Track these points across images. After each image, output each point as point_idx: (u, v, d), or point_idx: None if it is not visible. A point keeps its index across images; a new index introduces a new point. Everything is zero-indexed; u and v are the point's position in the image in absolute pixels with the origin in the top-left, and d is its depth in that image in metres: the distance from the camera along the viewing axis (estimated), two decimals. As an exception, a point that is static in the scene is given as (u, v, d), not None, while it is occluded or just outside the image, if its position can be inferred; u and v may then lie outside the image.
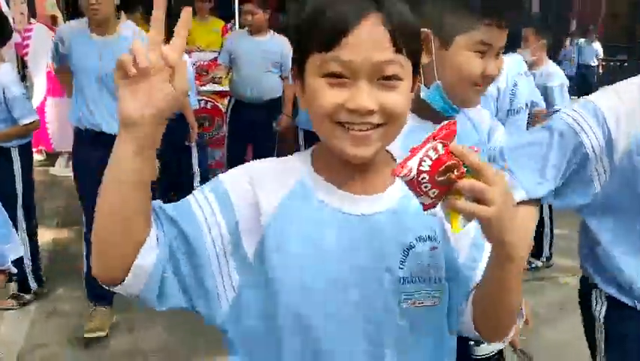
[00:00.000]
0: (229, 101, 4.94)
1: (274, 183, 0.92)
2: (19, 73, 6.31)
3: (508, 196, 0.78)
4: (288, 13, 5.56)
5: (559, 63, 11.24)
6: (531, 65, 3.71)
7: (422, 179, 0.75)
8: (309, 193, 0.91)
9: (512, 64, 2.85)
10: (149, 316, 3.08)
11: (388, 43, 0.83)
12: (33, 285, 3.39)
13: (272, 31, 4.65)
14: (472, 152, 0.76)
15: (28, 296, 3.37)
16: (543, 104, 3.38)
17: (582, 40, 11.46)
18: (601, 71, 12.07)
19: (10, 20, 6.09)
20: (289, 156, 0.98)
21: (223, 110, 5.37)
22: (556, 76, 3.86)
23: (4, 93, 3.18)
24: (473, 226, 0.80)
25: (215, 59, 5.71)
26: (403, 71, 0.85)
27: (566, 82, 3.93)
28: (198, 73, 5.48)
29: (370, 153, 0.87)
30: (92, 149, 2.90)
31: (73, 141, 3.18)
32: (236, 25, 6.40)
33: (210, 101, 5.47)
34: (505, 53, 2.76)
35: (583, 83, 11.18)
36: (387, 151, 0.96)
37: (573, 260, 3.93)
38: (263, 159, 0.98)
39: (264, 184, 0.91)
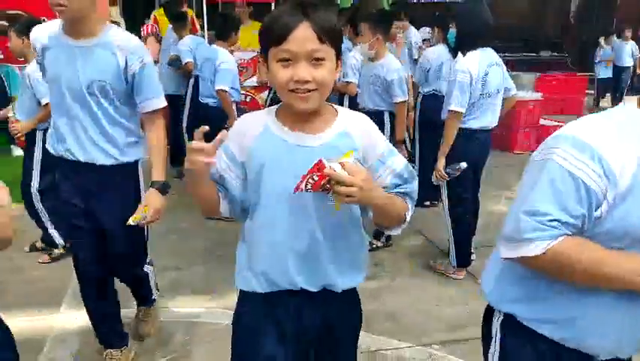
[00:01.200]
0: (268, 93, 5.67)
1: (251, 127, 1.52)
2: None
3: (367, 179, 1.35)
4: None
5: (595, 64, 11.22)
6: (372, 59, 4.08)
7: (308, 191, 1.37)
8: (272, 133, 1.50)
9: (484, 56, 3.49)
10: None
11: (315, 38, 1.37)
12: (59, 241, 4.01)
13: None
14: (333, 171, 1.31)
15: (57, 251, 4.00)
16: (514, 91, 3.78)
17: (618, 40, 11.26)
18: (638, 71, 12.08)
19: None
20: (262, 110, 1.60)
21: (261, 102, 6.13)
22: (395, 69, 4.08)
23: (29, 79, 3.65)
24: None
25: (256, 57, 6.54)
26: (326, 56, 1.40)
27: (405, 75, 4.19)
28: (239, 70, 6.24)
29: (310, 107, 1.43)
30: (67, 182, 2.49)
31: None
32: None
33: (249, 95, 6.21)
34: (477, 48, 3.40)
35: (618, 84, 11.11)
36: (332, 106, 1.54)
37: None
38: (247, 114, 1.62)
39: (246, 130, 1.53)
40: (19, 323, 3.10)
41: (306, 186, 1.36)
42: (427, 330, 3.23)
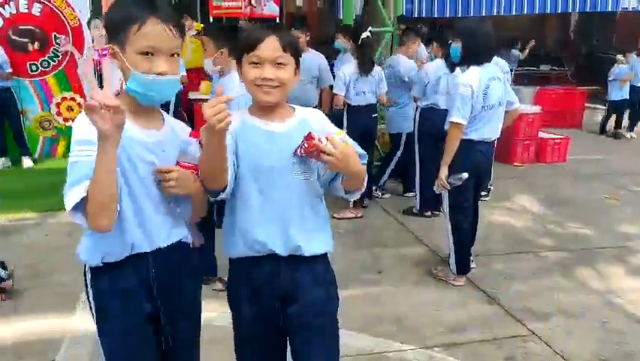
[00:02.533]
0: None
1: (234, 117, 1.64)
2: (99, 85, 7.41)
3: (345, 151, 1.68)
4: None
5: (609, 83, 10.27)
6: (219, 73, 3.90)
7: (302, 155, 1.74)
8: (245, 122, 1.81)
9: (485, 70, 3.65)
10: None
11: (279, 48, 1.75)
12: None
13: (310, 50, 5.56)
14: (319, 143, 1.67)
15: None
16: (517, 104, 3.96)
17: (637, 57, 9.82)
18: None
19: (89, 41, 7.24)
20: (239, 110, 1.87)
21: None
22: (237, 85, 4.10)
23: None
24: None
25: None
26: (287, 61, 1.77)
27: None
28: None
29: (272, 100, 1.77)
30: None
31: None
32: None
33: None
34: (481, 63, 3.54)
35: (634, 107, 9.71)
36: (290, 105, 1.89)
37: (556, 240, 4.57)
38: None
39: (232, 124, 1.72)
40: (37, 325, 3.23)
41: (300, 151, 1.74)
42: (429, 333, 3.34)
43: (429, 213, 5.47)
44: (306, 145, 1.72)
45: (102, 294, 1.73)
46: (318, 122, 1.87)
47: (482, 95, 3.67)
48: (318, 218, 1.88)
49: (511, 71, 9.31)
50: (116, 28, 1.60)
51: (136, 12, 1.57)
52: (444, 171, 3.78)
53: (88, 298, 1.76)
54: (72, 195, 1.51)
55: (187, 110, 7.03)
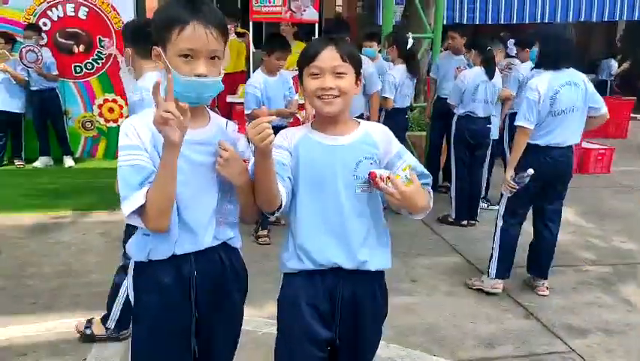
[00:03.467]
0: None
1: (293, 135, 1.85)
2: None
3: (408, 192, 1.69)
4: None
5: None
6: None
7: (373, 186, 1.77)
8: (309, 137, 1.84)
9: (558, 76, 3.67)
10: None
11: (338, 57, 1.76)
12: None
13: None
14: (381, 182, 1.71)
15: None
16: (604, 109, 3.82)
17: None
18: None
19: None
20: (302, 125, 1.93)
21: (301, 119, 6.28)
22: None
23: None
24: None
25: (295, 76, 6.75)
26: (347, 71, 1.77)
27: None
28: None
29: (334, 110, 1.78)
30: None
31: None
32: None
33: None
34: (557, 68, 3.52)
35: None
36: (353, 119, 1.89)
37: (598, 254, 4.41)
38: (286, 129, 1.91)
39: (290, 135, 1.85)
40: (70, 325, 3.28)
41: (370, 183, 1.76)
42: (463, 346, 3.25)
43: (465, 223, 5.36)
44: (368, 184, 1.76)
45: (141, 288, 1.76)
46: (381, 138, 1.85)
47: (549, 101, 3.63)
48: (379, 232, 1.88)
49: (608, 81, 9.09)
50: (159, 31, 1.62)
51: (179, 15, 1.58)
52: (509, 173, 3.76)
53: (128, 291, 1.81)
54: (130, 202, 1.57)
55: (225, 113, 7.11)
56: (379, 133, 1.87)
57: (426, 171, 1.89)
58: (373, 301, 1.89)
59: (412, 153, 1.99)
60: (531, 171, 3.62)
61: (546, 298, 3.87)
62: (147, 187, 1.57)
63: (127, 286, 1.83)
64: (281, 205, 1.73)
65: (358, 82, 1.82)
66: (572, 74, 3.74)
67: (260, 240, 4.69)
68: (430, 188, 1.89)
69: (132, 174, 1.58)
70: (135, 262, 1.77)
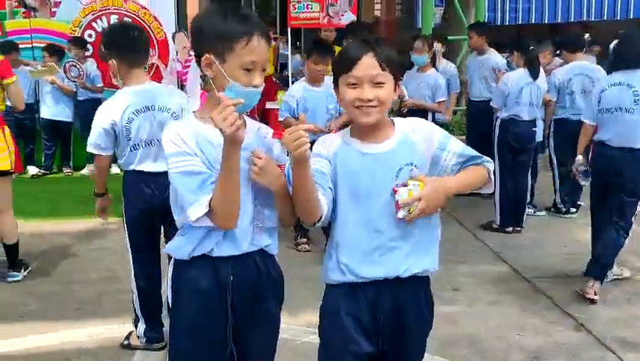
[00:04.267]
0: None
1: (331, 143, 1.81)
2: (179, 95, 7.68)
3: (432, 195, 1.68)
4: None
5: None
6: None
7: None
8: (347, 145, 1.79)
9: (616, 76, 3.86)
10: None
11: (377, 65, 1.68)
12: None
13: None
14: (409, 199, 1.67)
15: None
16: None
17: None
18: None
19: (174, 53, 7.52)
20: (339, 132, 1.89)
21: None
22: None
23: None
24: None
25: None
26: (385, 80, 1.70)
27: None
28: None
29: (372, 121, 1.72)
30: None
31: None
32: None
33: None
34: (626, 68, 3.79)
35: None
36: (388, 120, 1.81)
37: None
38: (324, 136, 1.91)
39: (329, 144, 1.81)
40: (114, 329, 3.32)
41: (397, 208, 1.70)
42: (508, 359, 3.14)
43: (510, 229, 5.19)
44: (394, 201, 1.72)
45: (179, 292, 1.78)
46: (420, 135, 1.80)
47: (596, 100, 3.86)
48: (427, 238, 1.82)
49: None
50: (214, 41, 1.62)
51: (241, 27, 1.60)
52: (577, 159, 4.06)
53: (167, 291, 1.84)
54: (195, 209, 1.61)
55: (262, 119, 7.14)
56: (417, 130, 1.80)
57: (476, 153, 1.83)
58: (418, 311, 1.84)
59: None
60: (580, 159, 3.98)
61: (597, 310, 3.70)
62: (210, 193, 1.60)
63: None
64: (321, 217, 1.70)
65: (397, 88, 1.76)
66: (634, 76, 3.77)
67: (299, 247, 4.67)
68: (485, 162, 1.83)
69: (189, 180, 1.62)
70: (174, 264, 1.80)
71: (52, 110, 7.07)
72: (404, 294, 1.80)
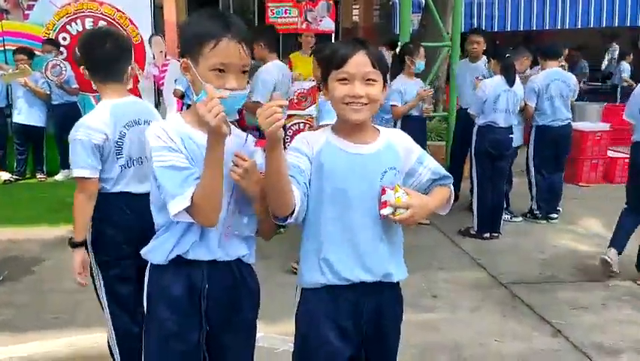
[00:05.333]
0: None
1: (315, 139, 1.77)
2: (156, 100, 7.61)
3: (418, 209, 1.70)
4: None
5: None
6: None
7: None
8: (333, 144, 1.76)
9: None
10: None
11: (369, 63, 1.69)
12: None
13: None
14: (397, 203, 1.67)
15: None
16: None
17: None
18: None
19: (150, 57, 7.43)
20: (320, 129, 1.86)
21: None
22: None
23: None
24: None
25: (314, 87, 6.71)
26: (377, 77, 1.71)
27: None
28: (299, 99, 6.41)
29: (361, 118, 1.71)
30: None
31: None
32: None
33: (308, 123, 6.35)
34: None
35: None
36: (373, 125, 1.83)
37: (626, 268, 4.27)
38: (306, 132, 1.86)
39: (312, 141, 1.77)
40: (91, 340, 3.25)
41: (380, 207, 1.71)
42: (488, 366, 3.15)
43: (487, 235, 5.24)
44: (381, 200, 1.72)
45: (153, 298, 1.77)
46: (402, 146, 1.83)
47: (634, 102, 4.35)
48: (398, 242, 1.85)
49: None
50: (190, 44, 1.64)
51: (211, 29, 1.60)
52: None
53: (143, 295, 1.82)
54: (176, 204, 1.59)
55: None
56: (400, 141, 1.84)
57: (447, 173, 1.90)
58: (395, 311, 1.88)
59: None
60: None
61: (574, 316, 3.74)
62: (192, 188, 1.59)
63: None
64: (294, 211, 1.66)
65: (384, 89, 1.76)
66: None
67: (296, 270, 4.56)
68: (450, 184, 1.91)
69: (173, 175, 1.61)
70: (150, 269, 1.79)
71: (25, 114, 6.93)
72: (384, 295, 1.82)
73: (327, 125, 1.86)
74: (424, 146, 5.33)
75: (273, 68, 4.91)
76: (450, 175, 1.91)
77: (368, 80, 1.69)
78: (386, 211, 1.68)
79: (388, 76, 1.86)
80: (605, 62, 12.88)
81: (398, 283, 1.87)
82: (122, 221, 2.48)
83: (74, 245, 2.44)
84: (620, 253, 4.33)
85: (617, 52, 12.79)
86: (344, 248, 1.74)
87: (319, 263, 1.75)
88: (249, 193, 1.69)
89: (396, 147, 1.80)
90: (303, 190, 1.69)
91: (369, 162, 1.74)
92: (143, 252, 1.80)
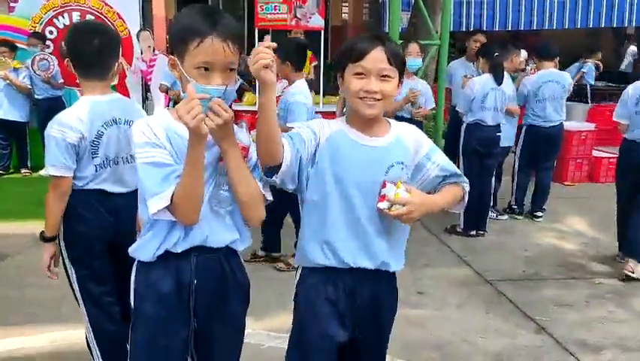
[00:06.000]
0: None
1: (328, 125, 1.82)
2: (144, 95, 7.56)
3: (417, 206, 1.71)
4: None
5: None
6: None
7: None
8: (344, 133, 1.79)
9: None
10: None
11: (385, 60, 1.71)
12: None
13: None
14: (395, 199, 1.69)
15: None
16: None
17: None
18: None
19: (138, 52, 7.37)
20: (336, 119, 1.89)
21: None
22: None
23: None
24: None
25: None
26: (392, 74, 1.73)
27: None
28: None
29: (375, 113, 1.74)
30: None
31: None
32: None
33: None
34: None
35: None
36: (386, 119, 1.86)
37: (610, 266, 4.31)
38: (321, 119, 1.91)
39: (326, 125, 1.81)
40: (74, 336, 3.22)
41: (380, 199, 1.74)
42: (472, 362, 3.16)
43: (474, 233, 5.27)
44: (381, 194, 1.74)
45: (140, 295, 1.76)
46: (411, 140, 1.85)
47: (635, 102, 4.41)
48: (402, 234, 1.87)
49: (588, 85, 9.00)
50: (176, 41, 1.63)
51: (196, 27, 1.59)
52: None
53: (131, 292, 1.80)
54: (156, 202, 1.59)
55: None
56: (410, 135, 1.86)
57: (457, 171, 1.91)
58: (390, 302, 1.92)
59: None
60: None
61: (558, 313, 3.77)
62: (173, 186, 1.59)
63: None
64: (281, 165, 1.65)
65: (400, 85, 1.79)
66: None
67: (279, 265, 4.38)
68: (464, 182, 1.92)
69: (154, 172, 1.60)
70: (137, 266, 1.77)
71: (6, 109, 6.82)
72: (381, 283, 1.86)
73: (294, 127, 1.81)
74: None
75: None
76: (461, 173, 1.92)
77: (383, 76, 1.71)
78: (382, 205, 1.71)
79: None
80: (625, 64, 12.65)
81: (394, 275, 1.91)
82: (94, 218, 2.43)
83: (44, 240, 2.44)
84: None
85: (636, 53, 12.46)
86: (347, 234, 1.77)
87: (322, 245, 1.78)
88: (221, 146, 1.64)
89: (405, 142, 1.83)
90: (294, 152, 1.68)
91: (376, 154, 1.77)
92: (130, 250, 1.78)
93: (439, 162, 1.87)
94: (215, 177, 1.70)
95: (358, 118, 1.79)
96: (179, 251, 1.70)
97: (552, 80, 5.60)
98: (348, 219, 1.77)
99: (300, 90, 4.06)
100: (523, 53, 6.87)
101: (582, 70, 9.24)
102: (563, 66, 6.20)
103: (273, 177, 1.68)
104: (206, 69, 1.59)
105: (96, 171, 2.40)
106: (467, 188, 1.92)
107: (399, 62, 1.75)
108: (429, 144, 1.88)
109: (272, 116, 1.59)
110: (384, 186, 1.72)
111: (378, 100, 1.72)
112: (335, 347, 1.85)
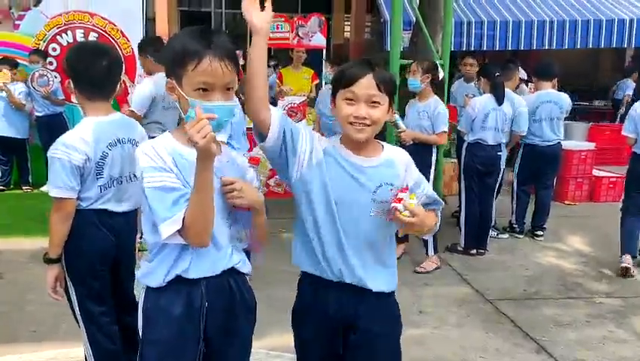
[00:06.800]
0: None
1: (326, 141, 1.88)
2: (146, 112, 7.58)
3: (420, 221, 1.75)
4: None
5: None
6: None
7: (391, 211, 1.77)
8: (336, 152, 1.85)
9: None
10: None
11: (374, 86, 1.76)
12: None
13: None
14: (410, 206, 1.73)
15: None
16: None
17: None
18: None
19: (141, 69, 7.43)
20: (332, 136, 1.94)
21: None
22: None
23: None
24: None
25: (304, 102, 6.79)
26: (382, 100, 1.78)
27: None
28: (289, 113, 6.43)
29: (363, 137, 1.79)
30: None
31: None
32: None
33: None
34: None
35: None
36: (378, 141, 1.90)
37: (610, 285, 4.30)
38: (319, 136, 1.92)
39: (321, 140, 1.87)
40: (72, 354, 3.20)
41: (386, 210, 1.79)
42: (472, 382, 3.14)
43: (474, 252, 5.26)
44: (382, 210, 1.80)
45: (151, 315, 1.74)
46: (402, 165, 1.89)
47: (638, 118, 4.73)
48: (386, 256, 1.90)
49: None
50: (173, 64, 1.63)
51: (193, 49, 1.59)
52: None
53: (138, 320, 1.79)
54: (167, 227, 1.59)
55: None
56: (401, 160, 1.90)
57: (438, 198, 1.99)
58: (383, 328, 1.90)
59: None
60: None
61: (558, 333, 3.75)
62: (183, 210, 1.58)
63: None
64: (269, 128, 1.73)
65: (391, 109, 1.84)
66: None
67: None
68: (438, 211, 2.00)
69: (163, 196, 1.60)
70: (146, 291, 1.75)
71: (4, 125, 6.84)
72: (367, 306, 1.86)
73: None
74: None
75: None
76: (441, 201, 2.01)
77: (373, 102, 1.76)
78: (398, 206, 1.74)
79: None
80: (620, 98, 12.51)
81: (387, 296, 1.90)
82: (96, 238, 2.44)
83: (49, 261, 2.43)
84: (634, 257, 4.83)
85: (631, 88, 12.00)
86: (334, 246, 1.81)
87: (314, 252, 1.84)
88: (256, 206, 1.76)
89: (396, 165, 1.87)
90: (281, 124, 1.75)
91: (366, 173, 1.81)
92: (138, 276, 1.77)
93: (426, 190, 1.95)
94: (228, 213, 1.75)
95: (350, 140, 1.84)
96: (192, 278, 1.70)
97: (550, 100, 5.61)
98: (334, 232, 1.81)
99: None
100: (522, 73, 6.93)
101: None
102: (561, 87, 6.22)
103: (266, 142, 1.75)
104: (204, 90, 1.59)
105: (101, 191, 2.41)
106: (439, 216, 2.00)
107: (389, 88, 1.80)
108: (417, 171, 1.94)
109: (264, 67, 1.71)
110: (403, 190, 1.76)
111: (368, 125, 1.77)
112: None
